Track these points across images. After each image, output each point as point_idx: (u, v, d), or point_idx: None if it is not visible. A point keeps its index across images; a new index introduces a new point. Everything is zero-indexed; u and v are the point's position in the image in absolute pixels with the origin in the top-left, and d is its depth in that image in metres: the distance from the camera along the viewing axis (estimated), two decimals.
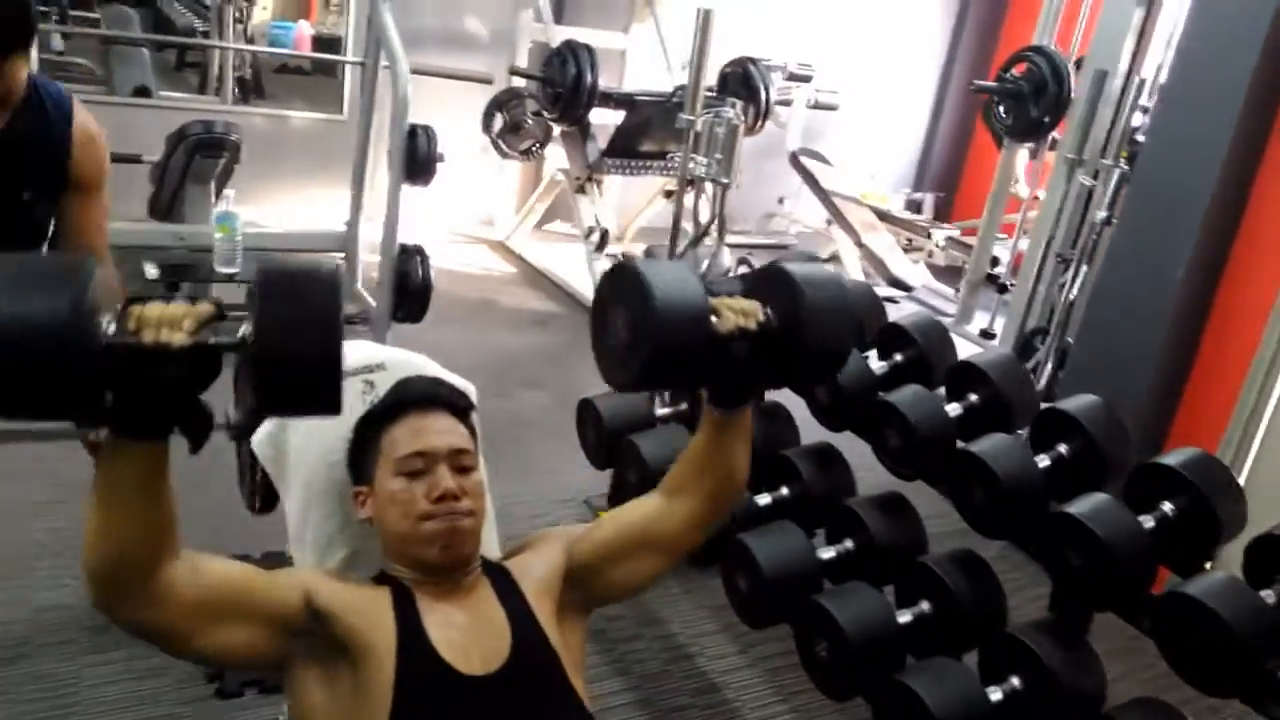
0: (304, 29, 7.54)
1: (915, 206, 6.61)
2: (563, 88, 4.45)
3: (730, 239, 6.14)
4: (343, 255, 4.23)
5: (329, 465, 1.45)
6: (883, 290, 5.45)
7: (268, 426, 1.50)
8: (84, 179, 1.93)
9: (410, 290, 3.88)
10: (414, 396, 1.39)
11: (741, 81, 4.96)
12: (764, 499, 2.32)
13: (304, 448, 1.49)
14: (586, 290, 4.86)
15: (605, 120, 4.84)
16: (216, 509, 1.96)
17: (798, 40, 6.35)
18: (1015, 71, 4.86)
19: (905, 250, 5.79)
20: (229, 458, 1.81)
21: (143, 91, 5.59)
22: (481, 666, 1.23)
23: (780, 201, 6.47)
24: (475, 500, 1.33)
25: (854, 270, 5.75)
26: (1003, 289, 5.17)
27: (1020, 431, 2.08)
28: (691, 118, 2.76)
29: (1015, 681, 1.78)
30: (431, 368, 1.61)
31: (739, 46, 5.77)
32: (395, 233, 3.87)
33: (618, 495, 2.68)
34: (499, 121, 5.34)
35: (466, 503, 1.30)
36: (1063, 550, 1.73)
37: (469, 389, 1.66)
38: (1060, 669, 1.73)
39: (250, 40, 7.20)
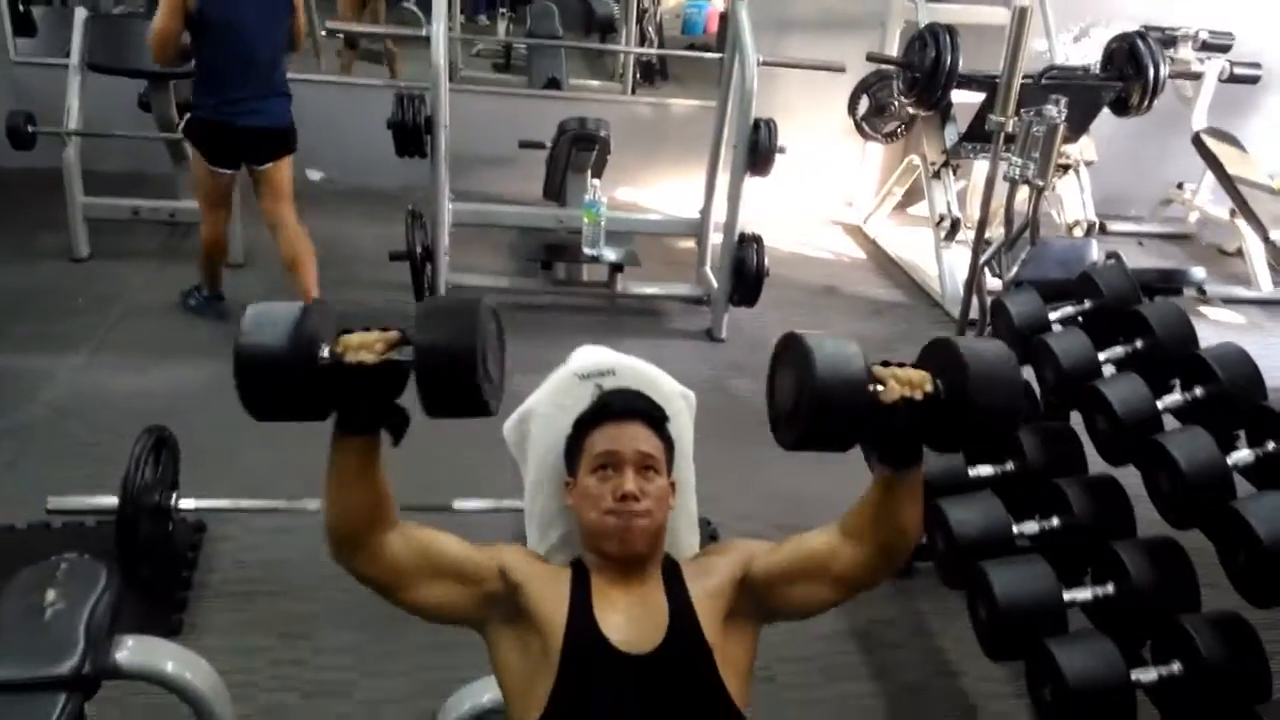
0: (715, 6, 7.94)
1: None
2: (920, 72, 4.37)
3: (1120, 225, 5.73)
4: (694, 239, 4.56)
5: (557, 455, 1.69)
6: None
7: (515, 414, 1.78)
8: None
9: (745, 276, 4.11)
10: (615, 406, 1.58)
11: (1128, 57, 4.53)
12: (1030, 527, 2.25)
13: (539, 437, 1.74)
14: (933, 281, 4.77)
15: (970, 100, 4.67)
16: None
17: (1217, 3, 5.61)
18: None
19: None
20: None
21: (554, 84, 6.29)
22: (638, 647, 1.41)
23: (1180, 186, 5.79)
24: (655, 503, 1.49)
25: (1260, 269, 5.05)
26: None
27: None
28: (1001, 119, 2.66)
29: None
30: (655, 376, 1.78)
31: (1144, 12, 5.28)
32: (736, 222, 4.12)
33: None
34: (865, 104, 5.36)
35: (645, 504, 1.48)
36: None
37: (689, 397, 1.82)
38: None
39: (660, 22, 7.77)
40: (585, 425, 1.59)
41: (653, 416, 1.59)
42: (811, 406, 1.24)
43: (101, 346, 3.62)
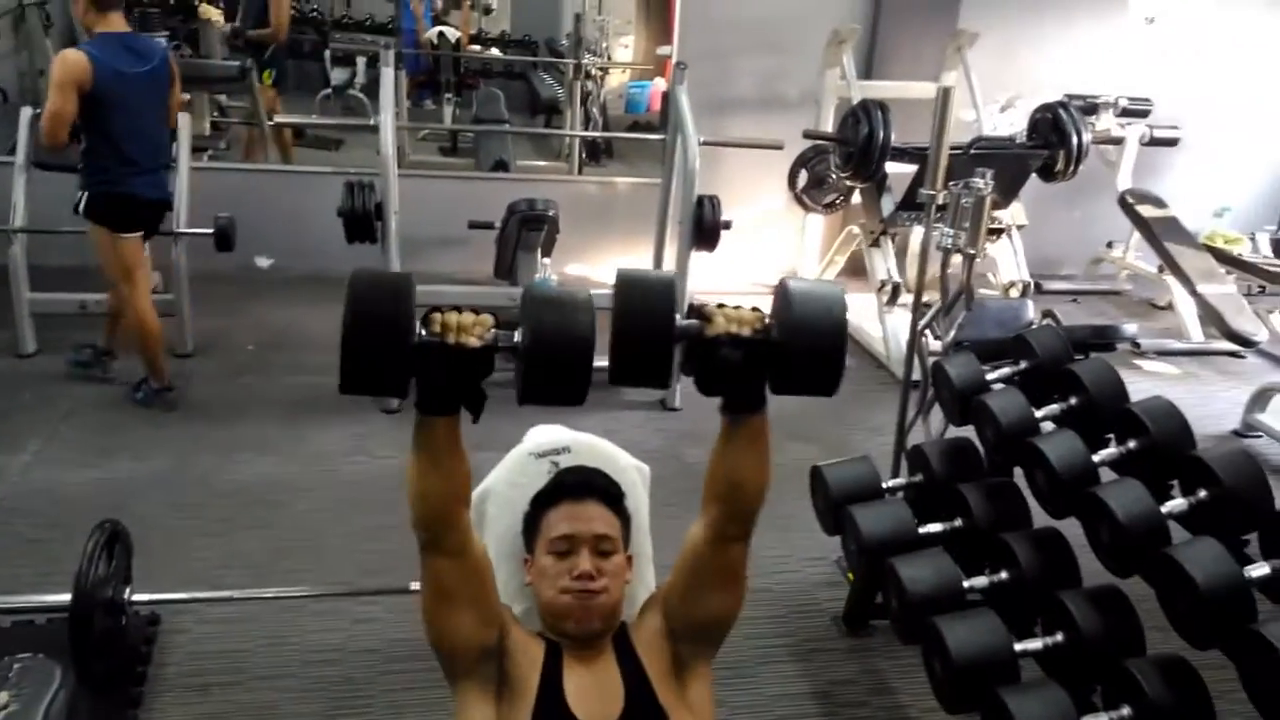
0: (658, 86, 8.14)
1: (1278, 247, 5.85)
2: (855, 146, 4.54)
3: (1054, 285, 5.91)
4: None
5: (515, 533, 1.73)
6: (1222, 344, 4.95)
7: (473, 495, 1.80)
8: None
9: None
10: (571, 485, 1.63)
11: (1052, 126, 4.74)
12: (980, 581, 2.30)
13: (497, 516, 1.77)
14: (878, 344, 4.88)
15: (905, 170, 4.84)
16: None
17: (1134, 72, 5.92)
18: None
19: (1257, 298, 5.17)
20: None
21: (501, 166, 6.39)
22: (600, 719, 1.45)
23: (1109, 245, 6.02)
24: (611, 580, 1.54)
25: (1190, 322, 5.24)
26: None
27: None
28: (931, 191, 2.78)
29: None
30: (609, 451, 1.84)
31: (1067, 83, 5.53)
32: (685, 293, 4.19)
33: (848, 560, 2.77)
34: (804, 178, 5.52)
35: (602, 582, 1.52)
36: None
37: (644, 470, 1.87)
38: None
39: (604, 103, 7.96)
40: (542, 504, 1.63)
41: (609, 494, 1.63)
42: (617, 339, 1.29)
43: (49, 442, 3.58)
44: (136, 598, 2.39)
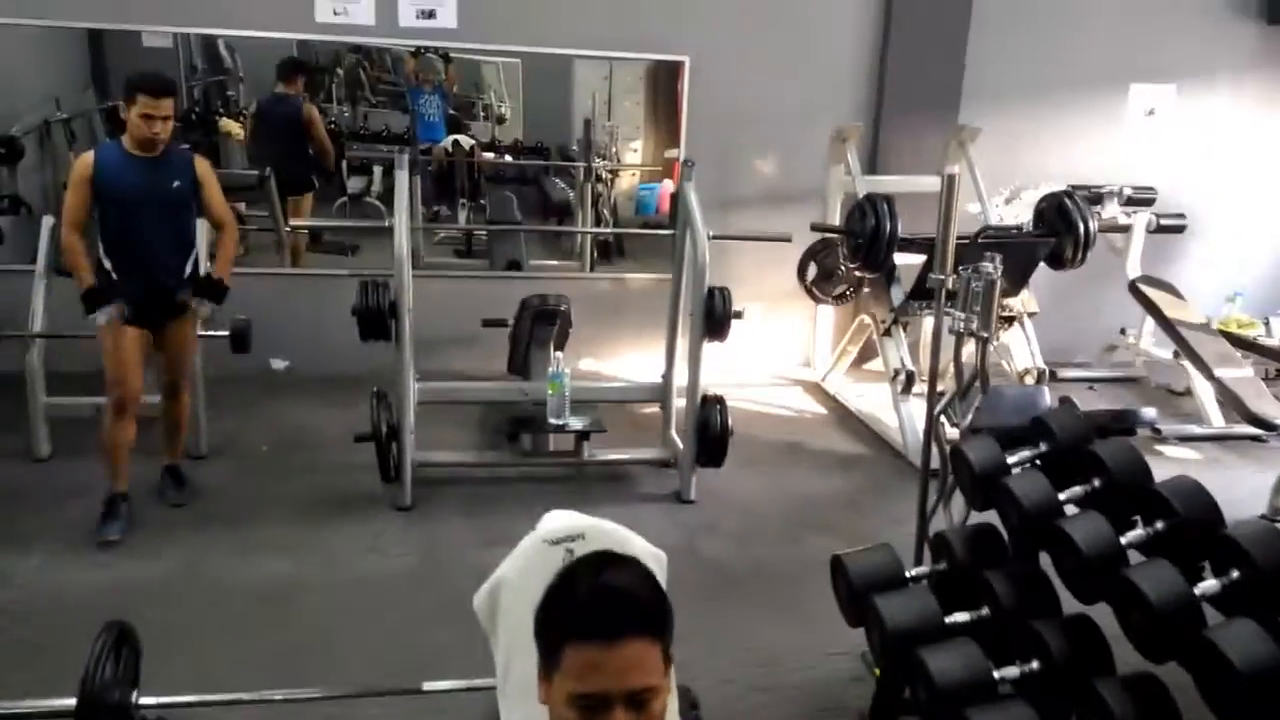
0: (667, 187, 8.31)
1: None
2: (863, 238, 4.59)
3: (1070, 372, 5.89)
4: (658, 404, 4.64)
5: (529, 625, 1.67)
6: (1244, 429, 4.89)
7: (485, 585, 1.76)
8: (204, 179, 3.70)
9: (710, 437, 4.16)
10: (601, 619, 1.23)
11: (1058, 214, 4.79)
12: (1011, 672, 2.23)
13: (510, 607, 1.72)
14: (894, 433, 4.85)
15: (914, 261, 4.88)
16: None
17: (1136, 163, 6.02)
18: None
19: (1275, 381, 5.13)
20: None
21: (514, 265, 6.49)
22: None
23: (1122, 332, 6.02)
24: None
25: (1209, 406, 5.19)
26: None
27: None
28: (941, 276, 2.79)
29: None
30: (626, 538, 1.79)
31: (1070, 174, 5.62)
32: (698, 384, 4.20)
33: (873, 653, 2.68)
34: (813, 270, 5.57)
35: None
36: None
37: (660, 558, 1.83)
38: None
39: (615, 205, 8.11)
40: (564, 631, 1.26)
41: (648, 621, 1.26)
42: None
43: (60, 545, 3.55)
44: (145, 701, 2.32)
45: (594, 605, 1.25)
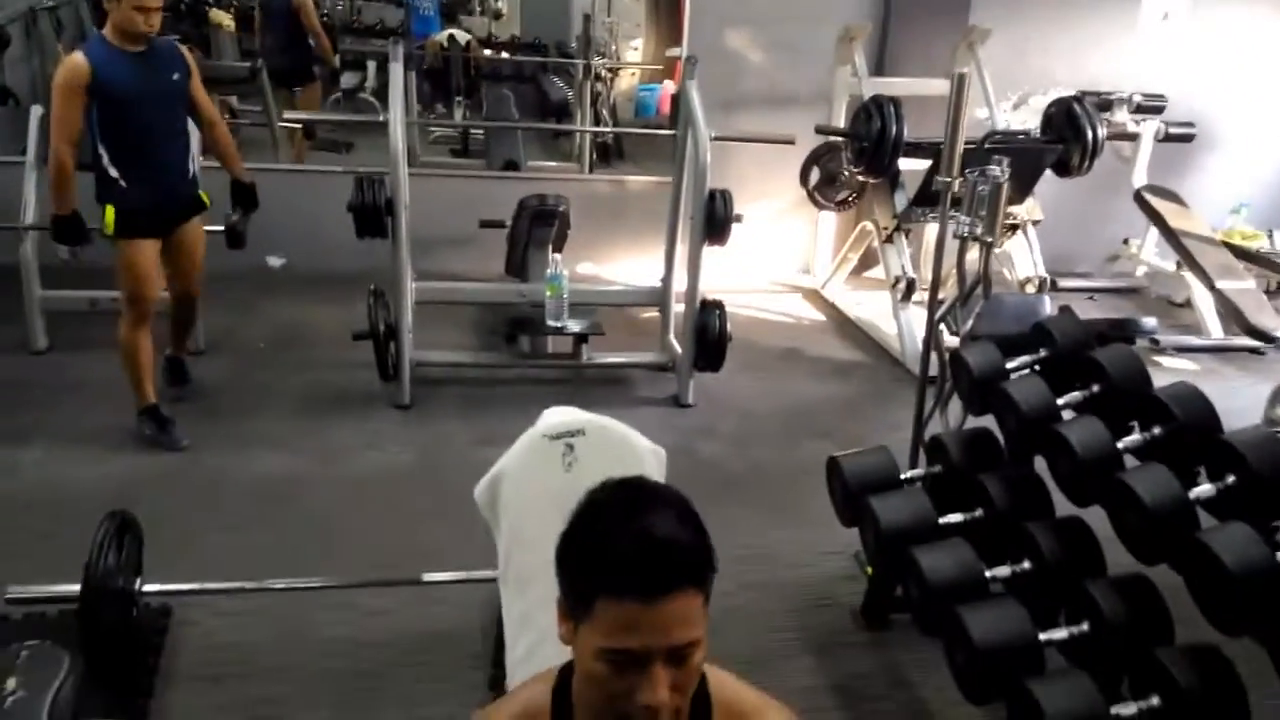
0: (667, 89, 8.15)
1: None
2: (868, 141, 4.51)
3: (1070, 281, 5.86)
4: (657, 308, 4.62)
5: (529, 515, 1.69)
6: (1242, 340, 4.90)
7: (486, 477, 1.78)
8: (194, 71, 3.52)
9: (709, 342, 4.16)
10: (642, 583, 1.05)
11: (1066, 121, 4.70)
12: (1002, 571, 2.26)
13: (511, 498, 1.74)
14: (893, 340, 4.84)
15: (918, 166, 4.81)
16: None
17: (1148, 70, 5.87)
18: None
19: (1276, 294, 5.12)
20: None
21: (511, 165, 6.39)
22: None
23: (1125, 242, 5.97)
24: (686, 690, 1.12)
25: (1209, 318, 5.19)
26: None
27: None
28: (947, 179, 2.74)
29: None
30: (625, 434, 1.81)
31: (1080, 79, 5.50)
32: (697, 289, 4.17)
33: (866, 552, 2.72)
34: (815, 174, 5.49)
35: (674, 702, 1.09)
36: None
37: (660, 454, 1.83)
38: None
39: (614, 105, 7.97)
40: (597, 584, 1.08)
41: (696, 571, 1.09)
42: None
43: (60, 438, 3.56)
44: (148, 588, 2.36)
45: (633, 558, 1.06)
